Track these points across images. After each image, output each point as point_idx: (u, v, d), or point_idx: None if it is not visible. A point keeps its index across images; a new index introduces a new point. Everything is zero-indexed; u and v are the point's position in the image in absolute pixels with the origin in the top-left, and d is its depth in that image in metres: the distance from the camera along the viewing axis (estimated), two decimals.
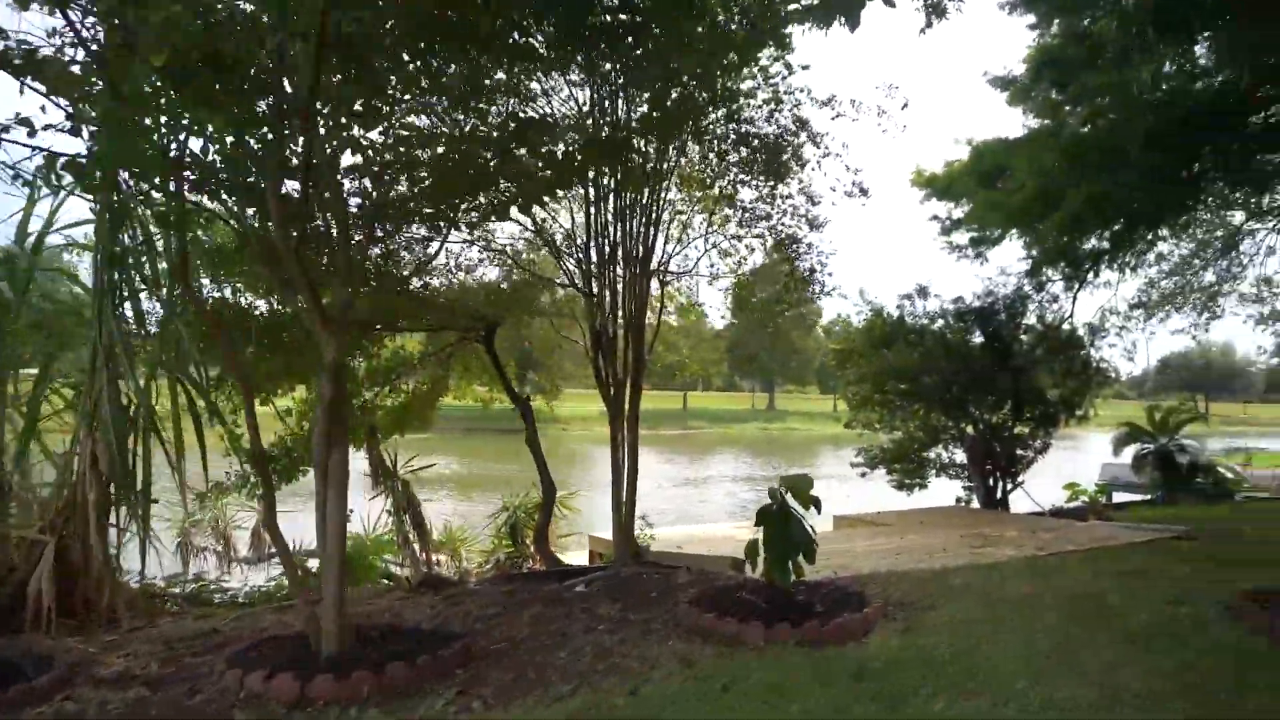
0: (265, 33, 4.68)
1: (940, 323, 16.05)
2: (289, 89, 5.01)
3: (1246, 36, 10.01)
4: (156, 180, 5.24)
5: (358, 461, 11.78)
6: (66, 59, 4.47)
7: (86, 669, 5.27)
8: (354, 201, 6.29)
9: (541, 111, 8.22)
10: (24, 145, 4.65)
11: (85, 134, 4.61)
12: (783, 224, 10.79)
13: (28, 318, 8.08)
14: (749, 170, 10.17)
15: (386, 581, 9.76)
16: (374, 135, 5.58)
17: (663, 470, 41.38)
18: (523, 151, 5.94)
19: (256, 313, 8.02)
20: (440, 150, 5.95)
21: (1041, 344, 15.87)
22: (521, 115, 7.13)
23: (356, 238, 6.16)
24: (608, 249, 9.64)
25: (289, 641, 5.31)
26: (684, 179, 10.58)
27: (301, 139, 4.99)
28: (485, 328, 9.18)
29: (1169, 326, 20.30)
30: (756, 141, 9.93)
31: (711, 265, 11.05)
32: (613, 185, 9.57)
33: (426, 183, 6.03)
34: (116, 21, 4.34)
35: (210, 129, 4.86)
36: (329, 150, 5.11)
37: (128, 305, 7.74)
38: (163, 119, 4.81)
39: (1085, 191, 11.13)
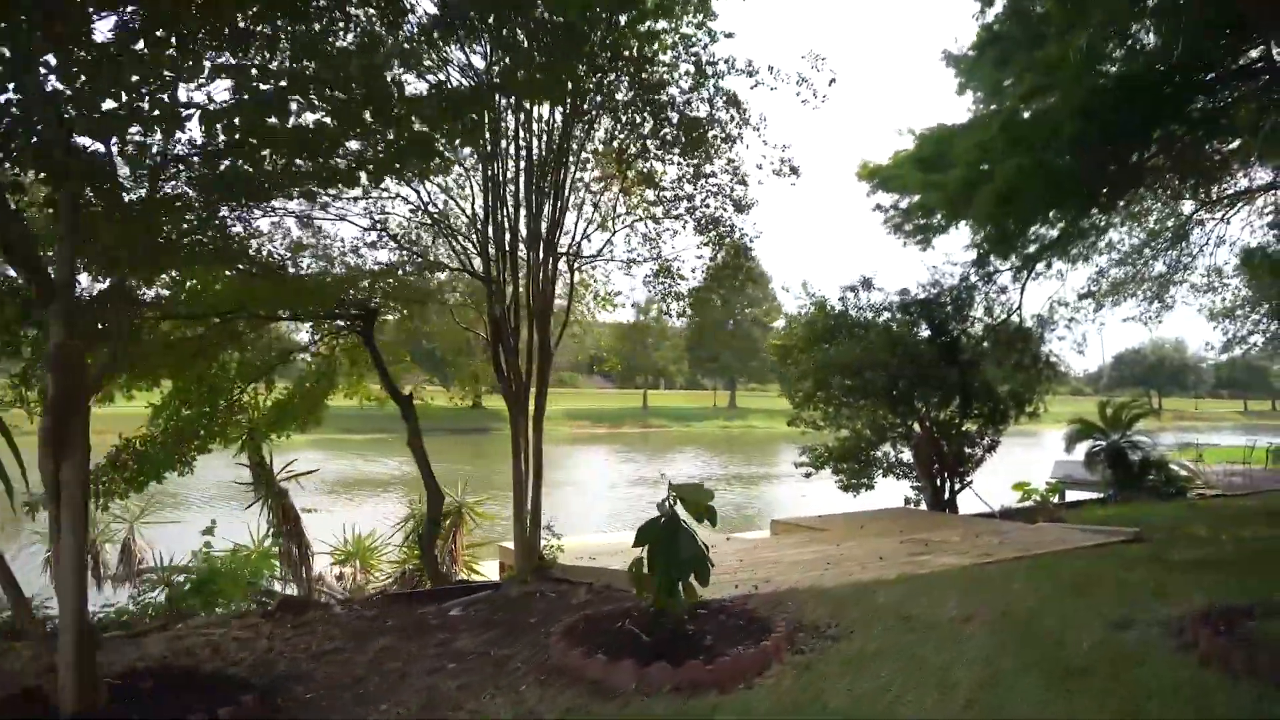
0: None
1: (886, 315, 15.33)
2: None
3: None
4: None
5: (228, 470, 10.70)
6: None
7: None
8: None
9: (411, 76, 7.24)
10: None
11: None
12: (706, 205, 9.94)
13: None
14: (666, 145, 9.29)
15: (264, 601, 8.71)
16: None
17: (619, 470, 40.59)
18: (367, 114, 5.00)
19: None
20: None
21: (989, 337, 15.21)
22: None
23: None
24: (508, 230, 8.71)
25: (35, 695, 4.29)
26: (599, 157, 9.68)
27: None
28: (363, 316, 8.18)
29: (1119, 315, 19.74)
30: (676, 115, 9.06)
31: (630, 250, 10.16)
32: (523, 165, 8.68)
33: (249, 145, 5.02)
34: None
35: None
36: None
37: None
38: None
39: (1014, 164, 10.43)
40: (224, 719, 3.87)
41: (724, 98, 9.48)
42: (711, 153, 9.69)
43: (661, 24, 8.37)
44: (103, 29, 4.35)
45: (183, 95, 4.27)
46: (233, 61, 4.16)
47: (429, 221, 8.82)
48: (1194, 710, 4.10)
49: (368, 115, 5.00)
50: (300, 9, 4.47)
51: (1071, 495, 19.86)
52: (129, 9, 4.24)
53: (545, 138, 8.75)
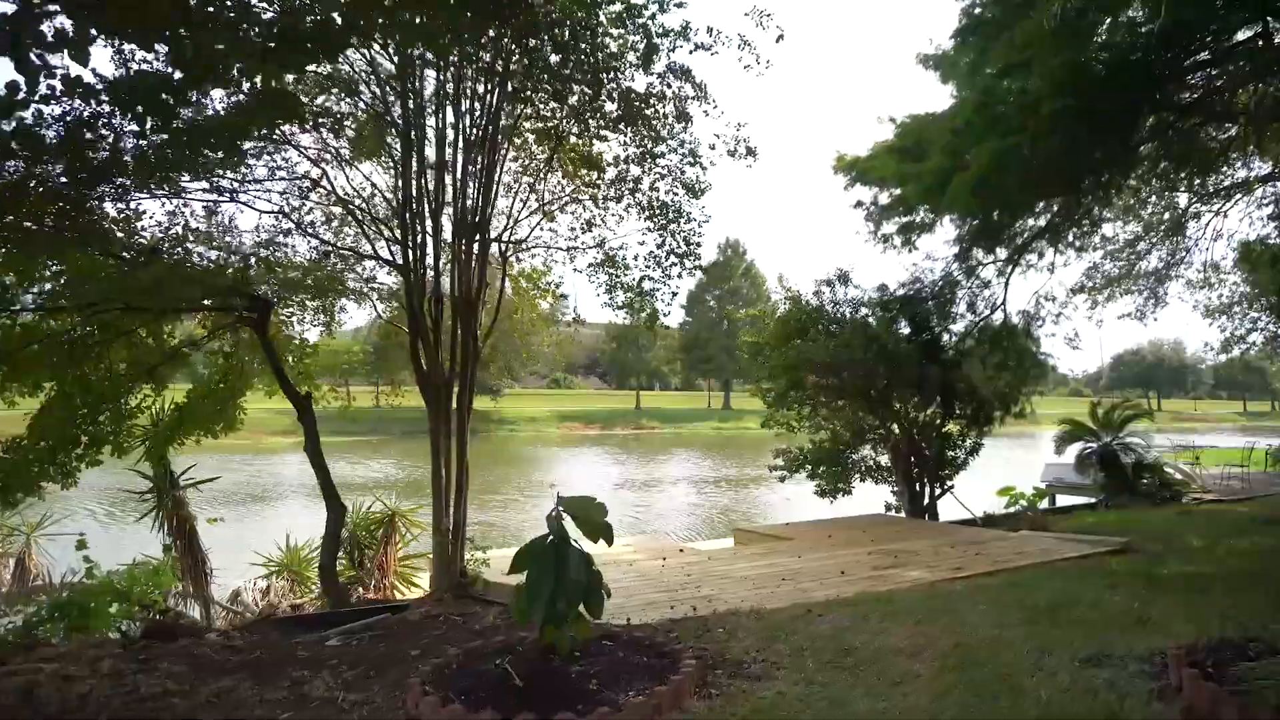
0: None
1: (864, 311, 14.51)
2: None
3: None
4: None
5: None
6: None
7: None
8: None
9: None
10: None
11: None
12: (655, 190, 9.13)
13: None
14: (609, 121, 8.48)
15: (125, 630, 7.79)
16: None
17: (606, 472, 39.74)
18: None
19: None
20: None
21: (973, 333, 14.39)
22: None
23: None
24: (429, 214, 7.90)
25: None
26: (537, 135, 8.87)
27: None
28: (256, 308, 7.36)
29: (1114, 311, 18.89)
30: (614, 86, 8.25)
31: (575, 238, 9.34)
32: (450, 138, 7.88)
33: None
34: None
35: None
36: None
37: None
38: None
39: (991, 147, 9.59)
40: None
41: (674, 71, 8.70)
42: (660, 131, 8.88)
43: None
44: None
45: None
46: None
47: (342, 206, 7.99)
48: None
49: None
50: None
51: (1063, 500, 19.07)
52: None
53: (472, 114, 7.95)
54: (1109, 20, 10.48)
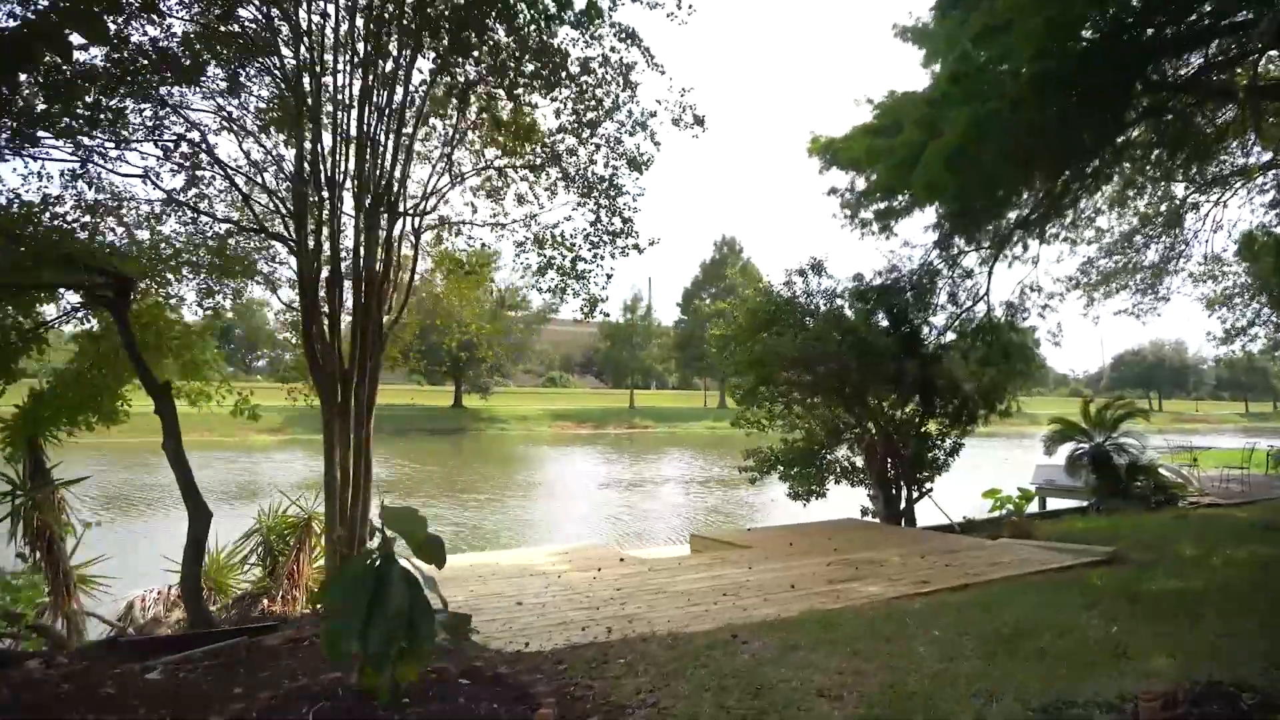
0: None
1: (839, 302, 13.62)
2: None
3: None
4: None
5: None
6: None
7: None
8: None
9: None
10: None
11: None
12: (594, 163, 8.24)
13: None
14: (537, 82, 7.59)
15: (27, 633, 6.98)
16: None
17: (594, 472, 38.81)
18: None
19: None
20: None
21: (954, 326, 13.50)
22: None
23: None
24: (325, 184, 7.01)
25: None
26: (446, 93, 7.95)
27: None
28: (113, 288, 6.45)
29: (1110, 308, 17.98)
30: (539, 41, 7.36)
31: (501, 213, 8.45)
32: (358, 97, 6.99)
33: None
34: None
35: None
36: None
37: None
38: None
39: (966, 114, 8.66)
40: None
41: (616, 33, 7.81)
42: (600, 97, 7.99)
43: None
44: None
45: None
46: None
47: (219, 166, 7.07)
48: None
49: None
50: None
51: (1054, 504, 18.16)
52: None
53: (375, 67, 7.05)
54: None
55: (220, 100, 6.82)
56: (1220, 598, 6.60)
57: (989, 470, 16.54)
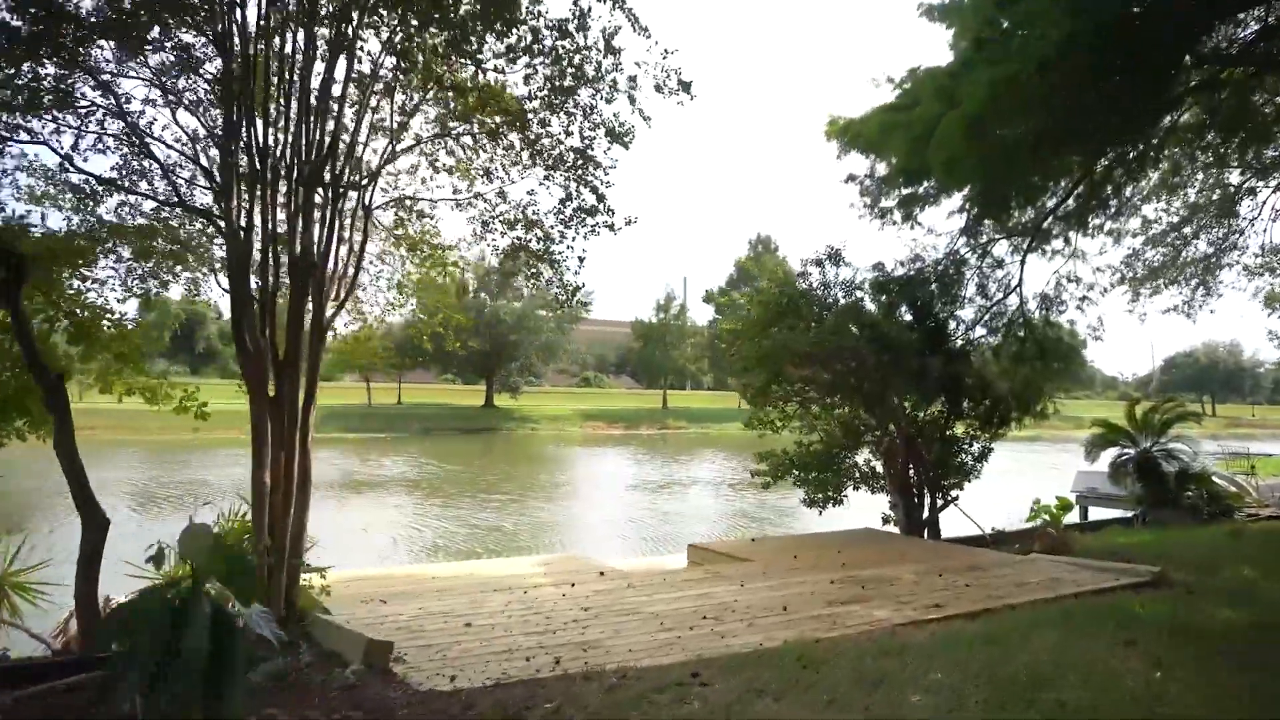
0: None
1: (859, 294, 12.63)
2: None
3: None
4: None
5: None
6: None
7: None
8: None
9: None
10: None
11: None
12: (569, 133, 7.42)
13: None
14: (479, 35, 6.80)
15: None
16: None
17: (625, 472, 38.01)
18: None
19: None
20: None
21: (983, 320, 12.43)
22: None
23: None
24: (256, 152, 6.29)
25: None
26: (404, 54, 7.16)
27: None
28: (5, 268, 5.79)
29: (1158, 305, 16.63)
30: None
31: (463, 190, 7.67)
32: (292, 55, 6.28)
33: None
34: None
35: None
36: None
37: None
38: None
39: (987, 77, 7.65)
40: None
41: None
42: (575, 60, 7.18)
43: None
44: None
45: None
46: None
47: (131, 131, 6.38)
48: None
49: None
50: None
51: (1096, 513, 16.92)
52: None
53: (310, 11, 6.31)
54: None
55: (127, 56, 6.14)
56: None
57: (1029, 476, 15.38)
